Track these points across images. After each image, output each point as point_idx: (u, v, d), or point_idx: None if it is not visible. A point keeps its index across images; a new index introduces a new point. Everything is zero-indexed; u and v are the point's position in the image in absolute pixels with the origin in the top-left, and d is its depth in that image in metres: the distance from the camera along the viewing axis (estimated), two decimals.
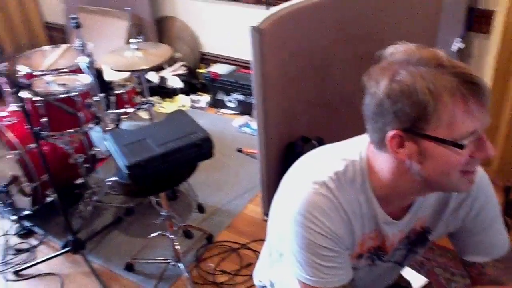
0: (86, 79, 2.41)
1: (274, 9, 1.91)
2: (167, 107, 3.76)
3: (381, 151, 0.93)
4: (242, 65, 3.75)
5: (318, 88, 2.20)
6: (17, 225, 2.59)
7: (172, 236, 2.24)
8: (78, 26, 2.20)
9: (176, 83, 3.77)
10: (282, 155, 2.20)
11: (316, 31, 2.05)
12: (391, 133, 0.86)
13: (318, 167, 1.00)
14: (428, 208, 1.07)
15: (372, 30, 2.12)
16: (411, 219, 1.06)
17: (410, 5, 2.23)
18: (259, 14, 1.86)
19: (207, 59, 3.99)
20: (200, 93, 3.89)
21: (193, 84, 3.92)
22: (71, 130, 2.39)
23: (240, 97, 3.58)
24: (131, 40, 2.58)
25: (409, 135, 0.85)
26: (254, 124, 3.37)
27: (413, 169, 0.89)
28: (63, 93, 2.30)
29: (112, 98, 2.81)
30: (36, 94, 2.19)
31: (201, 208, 2.68)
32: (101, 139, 2.72)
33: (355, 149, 1.00)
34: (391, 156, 0.90)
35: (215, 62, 3.92)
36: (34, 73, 2.54)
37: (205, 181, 2.88)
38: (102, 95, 2.44)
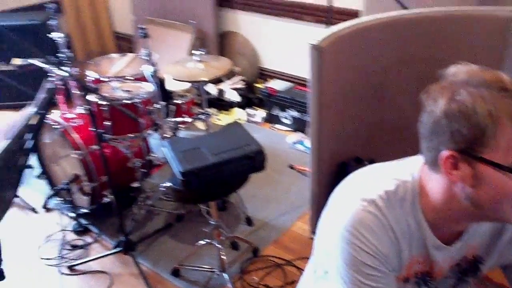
0: (149, 87, 2.52)
1: (334, 28, 1.93)
2: (223, 119, 3.83)
3: (434, 171, 0.91)
4: (299, 82, 3.78)
5: (375, 109, 2.18)
6: (74, 222, 2.72)
7: (219, 246, 2.27)
8: (145, 36, 2.31)
9: (233, 96, 3.85)
10: (333, 175, 2.19)
11: (375, 51, 2.04)
12: (445, 153, 0.85)
13: (368, 184, 1.00)
14: (481, 236, 1.03)
15: (434, 51, 2.08)
16: (463, 246, 1.03)
17: (474, 26, 2.18)
18: (319, 32, 1.88)
19: (265, 74, 4.05)
20: (256, 107, 3.95)
21: (250, 98, 3.98)
22: (132, 135, 2.50)
23: (296, 114, 3.59)
24: (193, 52, 2.67)
25: (464, 157, 0.83)
26: (307, 142, 3.37)
27: (465, 192, 0.87)
28: (127, 99, 2.42)
29: (172, 107, 2.90)
30: (102, 98, 2.31)
31: (249, 221, 2.70)
32: (158, 146, 2.82)
33: (407, 169, 0.99)
34: (444, 177, 0.88)
35: (272, 78, 3.97)
36: (101, 79, 2.68)
37: (256, 195, 2.90)
38: (162, 103, 2.54)
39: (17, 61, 2.82)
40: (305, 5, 3.55)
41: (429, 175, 0.94)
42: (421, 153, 0.93)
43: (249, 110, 3.92)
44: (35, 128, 1.01)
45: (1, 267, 0.92)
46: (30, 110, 0.93)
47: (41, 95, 1.01)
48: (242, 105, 3.94)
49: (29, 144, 1.00)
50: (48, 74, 2.69)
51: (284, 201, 2.88)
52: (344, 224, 0.96)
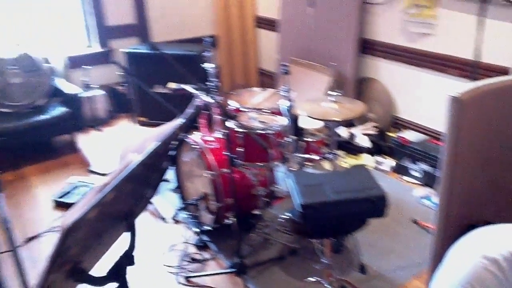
0: (283, 121, 2.65)
1: (479, 83, 1.86)
2: (350, 163, 3.83)
3: None
4: (434, 135, 3.63)
5: None
6: (197, 237, 2.92)
7: (328, 286, 2.26)
8: (286, 73, 2.45)
9: (364, 141, 3.83)
10: (459, 236, 2.06)
11: None
12: None
13: (492, 242, 0.95)
14: None
15: None
16: None
17: None
18: (462, 86, 1.83)
19: (399, 123, 3.98)
20: (385, 156, 3.88)
21: (380, 146, 3.93)
22: (261, 164, 2.64)
23: (426, 167, 3.45)
24: (329, 92, 2.76)
25: None
26: (435, 198, 3.20)
27: None
28: (261, 129, 2.58)
29: (302, 143, 2.99)
30: (239, 125, 2.49)
31: (362, 268, 2.64)
32: (283, 179, 2.92)
33: None
34: None
35: (406, 128, 3.88)
36: (241, 109, 2.89)
37: (373, 243, 2.82)
38: (293, 138, 2.65)
39: (172, 85, 3.19)
40: (450, 58, 3.45)
41: None
42: None
43: (378, 158, 3.86)
44: (180, 137, 1.16)
45: (133, 253, 1.06)
46: (178, 120, 1.08)
47: (189, 110, 1.16)
48: (371, 152, 3.90)
49: (173, 151, 1.15)
50: (196, 99, 2.99)
51: (402, 255, 2.76)
52: (460, 279, 0.92)
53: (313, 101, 2.80)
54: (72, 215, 0.71)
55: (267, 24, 5.20)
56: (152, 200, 3.11)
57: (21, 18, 4.43)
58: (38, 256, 2.81)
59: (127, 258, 1.04)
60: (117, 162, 0.89)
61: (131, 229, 1.15)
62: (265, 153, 2.60)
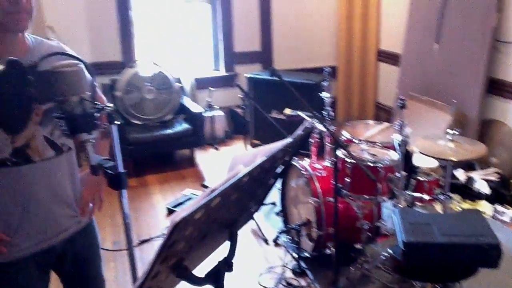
0: (394, 156, 2.59)
1: None
2: (464, 208, 3.58)
3: None
4: None
5: None
6: (295, 262, 2.94)
7: None
8: (402, 106, 2.41)
9: (483, 187, 3.57)
10: None
11: None
12: None
13: None
14: None
15: None
16: None
17: None
18: None
19: None
20: (507, 206, 3.56)
21: (502, 194, 3.62)
22: (367, 197, 2.59)
23: None
24: (447, 130, 2.64)
25: None
26: None
27: None
28: (371, 162, 2.55)
29: (413, 181, 2.89)
30: (349, 156, 2.49)
31: None
32: (389, 216, 2.83)
33: None
34: None
35: None
36: (353, 140, 2.88)
37: None
38: (404, 174, 2.57)
39: (288, 111, 3.29)
40: None
41: None
42: None
43: (498, 207, 3.56)
44: (288, 156, 1.21)
45: (232, 261, 1.12)
46: (287, 140, 1.13)
47: (299, 131, 1.21)
48: (490, 199, 3.61)
49: (279, 169, 1.21)
50: (306, 123, 3.05)
51: None
52: None
53: (430, 138, 2.70)
54: (181, 213, 0.80)
55: (389, 58, 5.14)
56: (256, 219, 3.23)
57: (159, 40, 4.92)
58: (148, 259, 3.04)
59: (226, 264, 1.10)
60: (226, 172, 0.96)
61: (233, 239, 1.21)
62: (372, 186, 2.56)
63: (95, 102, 1.15)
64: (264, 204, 3.55)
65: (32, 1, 1.30)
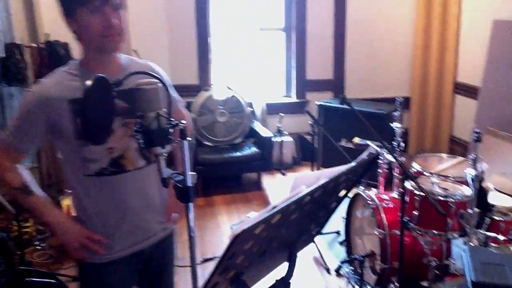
0: (467, 191, 2.48)
1: None
2: None
3: None
4: None
5: None
6: None
7: None
8: (478, 140, 2.31)
9: None
10: None
11: None
12: None
13: None
14: None
15: None
16: None
17: None
18: None
19: None
20: None
21: None
22: (436, 232, 2.49)
23: None
24: None
25: None
26: None
27: None
28: (441, 196, 2.45)
29: (487, 220, 2.74)
30: (418, 188, 2.42)
31: None
32: (459, 254, 2.69)
33: None
34: None
35: None
36: (424, 172, 2.80)
37: None
38: (477, 211, 2.45)
39: (357, 140, 3.27)
40: None
41: None
42: None
43: None
44: (351, 180, 1.21)
45: (290, 281, 1.13)
46: (351, 164, 1.13)
47: (363, 156, 1.21)
48: None
49: (342, 193, 1.21)
50: (379, 156, 3.01)
51: None
52: None
53: (508, 176, 2.56)
54: (242, 226, 0.83)
55: (466, 90, 4.94)
56: (319, 247, 3.19)
57: (234, 65, 5.09)
58: None
59: (283, 283, 1.12)
60: (287, 192, 0.98)
61: (292, 259, 1.22)
62: (442, 221, 2.46)
63: (170, 119, 1.22)
64: (327, 233, 3.52)
65: (124, 24, 1.43)
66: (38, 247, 3.38)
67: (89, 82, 1.19)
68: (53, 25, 4.01)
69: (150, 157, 1.55)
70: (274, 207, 0.91)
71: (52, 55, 3.80)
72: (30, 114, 1.43)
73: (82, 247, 1.54)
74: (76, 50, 4.34)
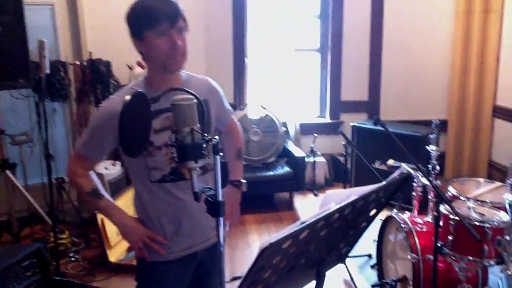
0: (505, 217, 2.41)
1: None
2: None
3: None
4: None
5: None
6: None
7: None
8: None
9: None
10: None
11: None
12: None
13: None
14: None
15: None
16: None
17: None
18: None
19: None
20: None
21: None
22: (471, 258, 2.41)
23: None
24: None
25: None
26: None
27: None
28: (478, 221, 2.38)
29: None
30: (453, 212, 2.36)
31: None
32: (496, 282, 2.60)
33: None
34: None
35: None
36: (460, 197, 2.73)
37: None
38: None
39: (391, 162, 3.23)
40: None
41: None
42: None
43: None
44: (382, 200, 1.20)
45: None
46: (382, 183, 1.13)
47: (394, 175, 1.21)
48: None
49: (371, 212, 1.20)
50: (413, 179, 2.96)
51: None
52: None
53: None
54: (269, 240, 0.84)
55: (506, 114, 4.82)
56: (349, 269, 3.15)
57: (268, 85, 5.15)
58: None
59: None
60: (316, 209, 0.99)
61: (320, 278, 1.22)
62: (478, 247, 2.38)
63: (204, 134, 1.25)
64: (359, 255, 3.46)
65: (187, 46, 1.55)
66: (72, 259, 3.47)
67: (127, 97, 1.24)
68: (96, 44, 4.19)
69: (208, 167, 1.65)
70: (303, 223, 0.91)
71: (94, 73, 3.95)
72: (100, 127, 1.59)
73: (144, 247, 1.65)
74: (117, 68, 4.50)
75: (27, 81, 3.35)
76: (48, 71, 3.31)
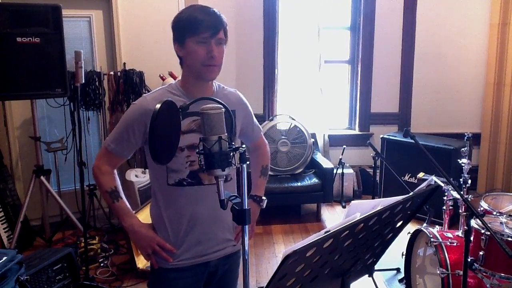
0: None
1: None
2: None
3: None
4: None
5: None
6: None
7: None
8: None
9: None
10: None
11: None
12: None
13: None
14: None
15: None
16: None
17: None
18: None
19: None
20: None
21: None
22: (503, 275, 2.35)
23: None
24: None
25: None
26: None
27: None
28: (510, 237, 2.32)
29: None
30: (485, 227, 2.31)
31: None
32: None
33: None
34: None
35: None
36: (493, 211, 2.66)
37: None
38: None
39: (421, 175, 3.19)
40: None
41: None
42: None
43: None
44: (409, 211, 1.19)
45: None
46: (408, 194, 1.12)
47: (422, 186, 1.20)
48: None
49: (398, 223, 1.19)
50: (444, 193, 2.91)
51: None
52: None
53: None
54: (294, 246, 0.85)
55: None
56: (377, 283, 3.09)
57: (298, 96, 5.16)
58: None
59: None
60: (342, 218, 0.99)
61: None
62: (510, 263, 2.32)
63: (231, 143, 1.27)
64: (387, 269, 3.40)
65: (223, 57, 1.60)
66: (101, 264, 3.54)
67: (158, 105, 1.27)
68: (130, 54, 4.30)
69: (227, 176, 1.65)
70: (327, 232, 0.92)
71: (127, 82, 4.05)
72: (130, 122, 1.62)
73: (153, 253, 1.67)
74: (149, 78, 4.57)
75: (64, 90, 3.47)
76: (83, 80, 3.42)
